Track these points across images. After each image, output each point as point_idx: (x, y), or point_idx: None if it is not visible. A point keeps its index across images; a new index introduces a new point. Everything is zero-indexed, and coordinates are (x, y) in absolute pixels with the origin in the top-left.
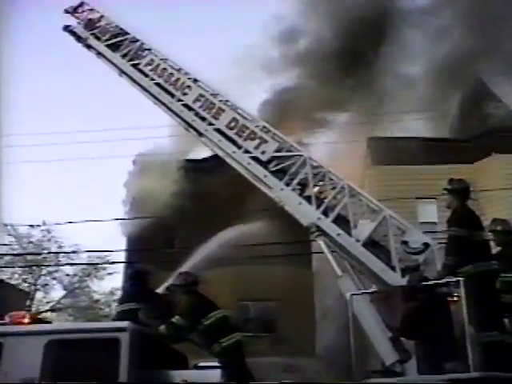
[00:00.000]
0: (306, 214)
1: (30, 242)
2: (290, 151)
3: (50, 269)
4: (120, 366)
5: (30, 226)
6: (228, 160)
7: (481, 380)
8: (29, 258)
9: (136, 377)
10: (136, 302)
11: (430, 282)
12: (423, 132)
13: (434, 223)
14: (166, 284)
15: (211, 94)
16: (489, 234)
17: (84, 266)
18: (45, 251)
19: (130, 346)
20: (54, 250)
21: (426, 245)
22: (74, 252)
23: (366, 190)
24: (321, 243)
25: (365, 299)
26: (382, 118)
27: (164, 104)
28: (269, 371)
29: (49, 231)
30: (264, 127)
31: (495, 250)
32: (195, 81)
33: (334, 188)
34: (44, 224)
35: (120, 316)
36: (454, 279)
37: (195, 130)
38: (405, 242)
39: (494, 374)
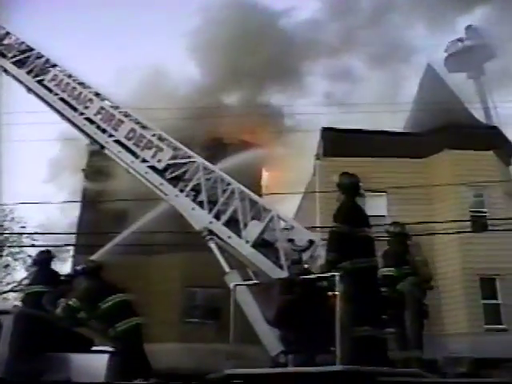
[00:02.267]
0: (199, 218)
1: None
2: (186, 158)
3: (13, 250)
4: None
5: None
6: (129, 169)
7: (342, 373)
8: None
9: (16, 361)
10: (42, 285)
11: (307, 276)
12: (378, 125)
13: (383, 216)
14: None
15: (111, 107)
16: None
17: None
18: (6, 231)
19: (14, 329)
20: (16, 230)
21: (311, 242)
22: (36, 233)
23: (317, 181)
24: (212, 246)
25: (247, 291)
26: (338, 109)
27: (68, 119)
28: (213, 358)
29: (11, 211)
30: (160, 136)
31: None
32: (97, 94)
33: (224, 191)
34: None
35: (25, 299)
36: (329, 274)
37: (97, 143)
38: (291, 240)
39: (356, 368)
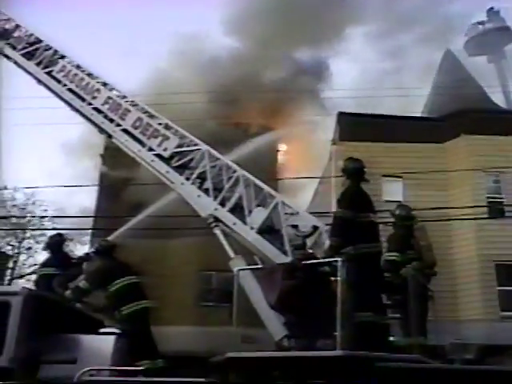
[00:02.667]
0: (205, 205)
1: (14, 206)
2: (191, 146)
3: (34, 233)
4: (8, 330)
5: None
6: (136, 158)
7: (340, 358)
8: (13, 220)
9: (25, 342)
10: (54, 268)
11: (309, 262)
12: (396, 110)
13: (399, 202)
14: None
15: (118, 96)
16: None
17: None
18: (29, 214)
19: (22, 310)
20: (38, 213)
21: (315, 227)
22: (58, 216)
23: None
24: (217, 232)
25: (251, 275)
26: (355, 93)
27: (76, 109)
28: (228, 341)
29: (33, 195)
30: (167, 124)
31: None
32: (104, 84)
33: (229, 178)
34: (28, 188)
35: (37, 281)
36: (332, 259)
37: (105, 132)
38: (295, 226)
39: (354, 353)
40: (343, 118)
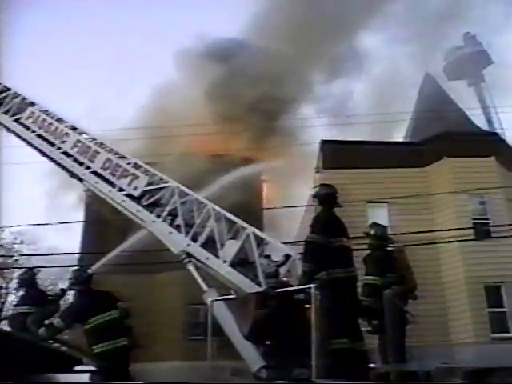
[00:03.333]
0: (176, 242)
1: (0, 245)
2: (161, 183)
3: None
4: None
5: None
6: (107, 199)
7: None
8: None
9: None
10: (28, 306)
11: (282, 289)
12: (378, 135)
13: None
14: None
15: (87, 139)
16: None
17: (57, 269)
18: (16, 254)
19: None
20: (25, 252)
21: (287, 256)
22: (46, 254)
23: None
24: (190, 268)
25: (224, 306)
26: (336, 120)
27: (46, 154)
28: (218, 375)
29: (20, 233)
30: (136, 163)
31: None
32: (73, 128)
33: (200, 213)
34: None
35: (11, 320)
36: (305, 286)
37: (75, 176)
38: (267, 256)
39: (330, 382)
40: (326, 145)
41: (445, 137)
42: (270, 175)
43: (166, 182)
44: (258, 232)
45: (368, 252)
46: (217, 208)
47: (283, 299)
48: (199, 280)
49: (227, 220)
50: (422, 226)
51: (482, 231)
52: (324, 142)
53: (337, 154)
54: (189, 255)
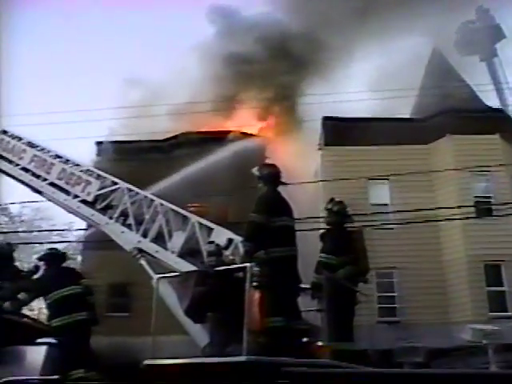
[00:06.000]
0: (128, 240)
1: (22, 221)
2: (111, 185)
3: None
4: None
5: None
6: (64, 208)
7: (244, 364)
8: (21, 235)
9: None
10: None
11: (221, 268)
12: (380, 111)
13: (386, 205)
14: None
15: (43, 153)
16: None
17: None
18: (36, 229)
19: None
20: (45, 228)
21: (230, 240)
22: (65, 230)
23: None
24: (142, 263)
25: (168, 284)
26: (337, 97)
27: (5, 172)
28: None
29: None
30: (88, 169)
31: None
32: (30, 144)
33: (149, 209)
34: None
35: None
36: (241, 265)
37: (34, 189)
38: (211, 242)
39: (260, 359)
40: (328, 122)
41: (447, 114)
42: (273, 152)
43: (116, 184)
44: (202, 221)
45: (325, 229)
46: (164, 202)
47: (222, 277)
48: (150, 271)
49: (174, 212)
50: (424, 203)
51: (484, 209)
52: (325, 119)
53: (338, 130)
54: (140, 251)
